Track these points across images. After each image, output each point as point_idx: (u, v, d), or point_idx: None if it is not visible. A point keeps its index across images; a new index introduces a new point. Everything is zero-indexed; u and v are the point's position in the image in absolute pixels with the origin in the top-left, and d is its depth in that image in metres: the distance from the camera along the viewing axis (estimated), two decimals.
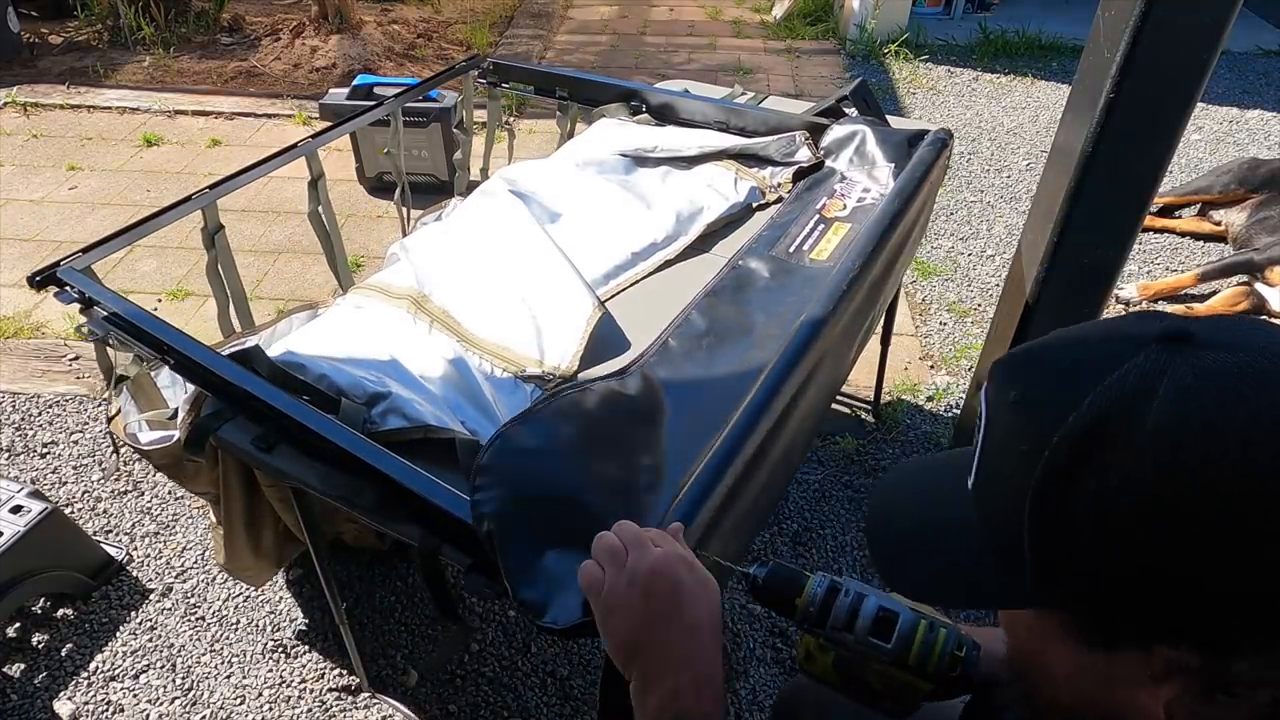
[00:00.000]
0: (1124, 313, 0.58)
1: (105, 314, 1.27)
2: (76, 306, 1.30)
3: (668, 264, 1.49)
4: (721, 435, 0.98)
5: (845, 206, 1.56)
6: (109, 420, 1.32)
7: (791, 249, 1.46)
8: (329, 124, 1.82)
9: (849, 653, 0.68)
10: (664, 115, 1.91)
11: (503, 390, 1.22)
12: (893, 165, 1.60)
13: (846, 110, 1.80)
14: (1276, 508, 0.41)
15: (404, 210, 2.04)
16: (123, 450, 1.33)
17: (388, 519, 1.02)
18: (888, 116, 1.78)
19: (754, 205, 1.64)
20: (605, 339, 1.30)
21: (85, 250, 1.37)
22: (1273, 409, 0.42)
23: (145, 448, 1.24)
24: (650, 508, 0.95)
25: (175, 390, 1.38)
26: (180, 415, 1.19)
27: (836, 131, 1.70)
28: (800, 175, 1.68)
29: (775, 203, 1.64)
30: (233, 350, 1.17)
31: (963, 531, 0.54)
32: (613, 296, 1.41)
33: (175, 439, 1.20)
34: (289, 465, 1.10)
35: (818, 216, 1.54)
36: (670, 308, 1.34)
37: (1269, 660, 0.44)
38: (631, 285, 1.45)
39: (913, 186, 1.47)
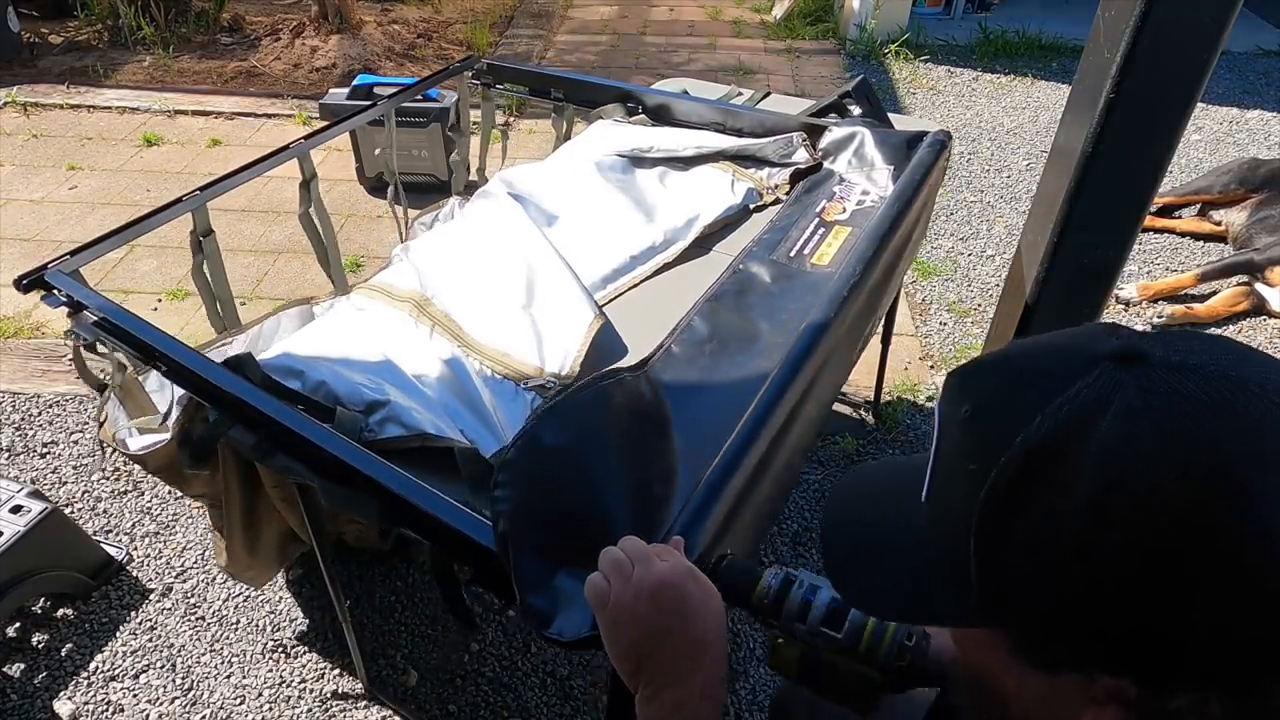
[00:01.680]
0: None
1: (94, 318, 1.25)
2: (75, 309, 1.28)
3: (666, 266, 1.49)
4: (726, 445, 0.98)
5: (845, 209, 1.55)
6: (99, 425, 1.30)
7: (792, 253, 1.45)
8: (323, 124, 1.82)
9: (803, 643, 0.70)
10: (660, 116, 1.91)
11: (502, 397, 1.22)
12: (891, 167, 1.59)
13: (848, 108, 1.79)
14: (1215, 539, 0.40)
15: (398, 210, 2.03)
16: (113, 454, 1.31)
17: (394, 522, 1.02)
18: (888, 115, 1.78)
19: (751, 207, 1.63)
20: (606, 346, 1.30)
21: (73, 253, 1.35)
22: (1213, 432, 0.41)
23: (136, 453, 1.23)
24: (662, 517, 0.95)
25: (164, 395, 1.37)
26: (173, 418, 1.18)
27: (835, 133, 1.69)
28: (798, 177, 1.67)
29: (773, 204, 1.63)
30: (226, 356, 1.17)
31: (915, 545, 0.53)
32: (611, 300, 1.41)
33: (166, 442, 1.20)
34: (293, 463, 1.10)
35: (818, 220, 1.53)
36: (670, 312, 1.34)
37: (1206, 697, 0.43)
38: (631, 289, 1.44)
39: (912, 189, 1.46)
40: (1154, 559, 0.41)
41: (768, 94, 2.03)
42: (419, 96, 2.03)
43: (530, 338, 1.29)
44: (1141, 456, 0.41)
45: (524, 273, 1.42)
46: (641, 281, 1.46)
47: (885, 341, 2.15)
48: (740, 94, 2.03)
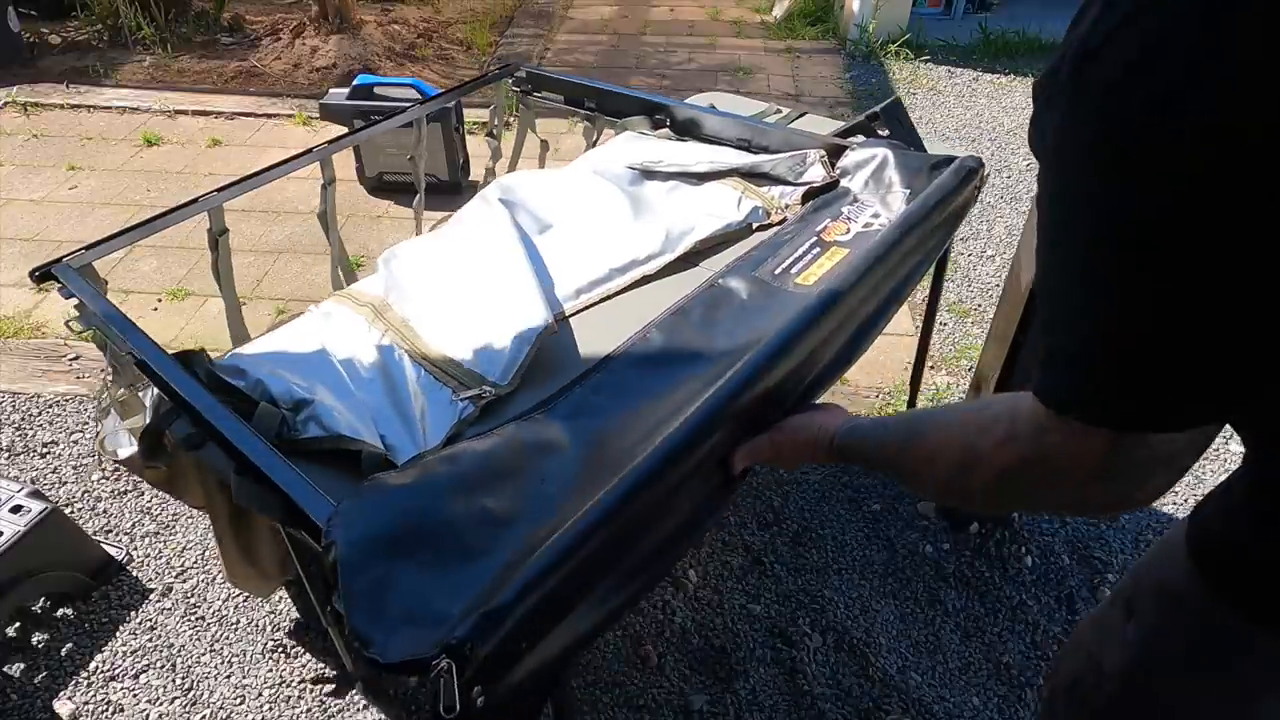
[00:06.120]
0: None
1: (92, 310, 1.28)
2: (74, 302, 1.30)
3: (650, 280, 1.47)
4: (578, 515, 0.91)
5: (849, 230, 1.50)
6: (99, 441, 1.31)
7: (778, 270, 1.42)
8: (343, 130, 1.85)
9: None
10: (687, 130, 1.88)
11: (435, 405, 1.22)
12: (908, 191, 1.53)
13: (879, 131, 1.72)
14: None
15: (422, 214, 2.04)
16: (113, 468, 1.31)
17: (288, 523, 1.02)
18: (920, 139, 1.71)
19: (754, 225, 1.60)
20: (555, 356, 1.29)
21: (88, 247, 1.38)
22: None
23: (126, 459, 1.24)
24: (528, 538, 0.93)
25: None
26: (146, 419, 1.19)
27: (857, 153, 1.63)
28: (811, 195, 1.63)
29: (780, 223, 1.59)
30: (178, 350, 1.19)
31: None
32: (583, 310, 1.40)
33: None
34: (215, 457, 1.10)
35: (815, 239, 1.49)
36: (641, 324, 1.33)
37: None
38: (605, 299, 1.43)
39: (921, 215, 1.37)
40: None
41: (804, 114, 1.98)
42: (426, 98, 2.04)
43: (479, 345, 1.29)
44: None
45: (488, 280, 1.42)
46: (618, 293, 1.44)
47: (922, 338, 2.13)
48: (779, 111, 1.99)
